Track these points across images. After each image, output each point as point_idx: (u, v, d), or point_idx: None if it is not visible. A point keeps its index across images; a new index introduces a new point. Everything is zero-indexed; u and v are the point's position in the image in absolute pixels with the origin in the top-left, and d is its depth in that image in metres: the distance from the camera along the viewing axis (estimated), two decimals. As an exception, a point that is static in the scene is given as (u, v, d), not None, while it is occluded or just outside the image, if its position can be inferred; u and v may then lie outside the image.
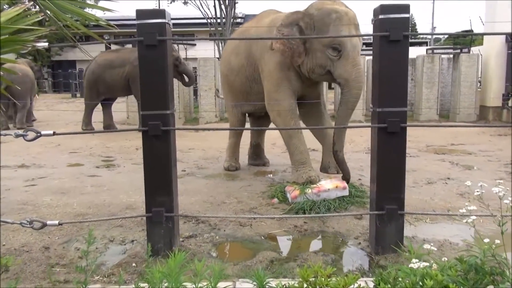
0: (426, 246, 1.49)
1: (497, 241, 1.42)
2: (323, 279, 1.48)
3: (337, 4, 3.76)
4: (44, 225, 2.41)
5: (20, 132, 2.29)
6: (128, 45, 10.59)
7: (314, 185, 3.76)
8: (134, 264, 2.59)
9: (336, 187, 3.73)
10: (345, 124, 3.81)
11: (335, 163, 4.02)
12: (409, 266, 1.36)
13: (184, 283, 1.49)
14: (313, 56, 3.78)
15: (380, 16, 2.51)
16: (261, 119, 5.24)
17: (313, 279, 1.50)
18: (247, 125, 5.44)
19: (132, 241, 3.01)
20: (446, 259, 1.45)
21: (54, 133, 2.40)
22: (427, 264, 1.35)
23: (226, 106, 5.33)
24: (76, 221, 3.34)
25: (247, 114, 5.20)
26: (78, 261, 2.67)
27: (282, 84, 4.06)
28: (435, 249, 1.53)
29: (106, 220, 3.37)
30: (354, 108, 3.75)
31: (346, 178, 3.77)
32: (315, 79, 4.00)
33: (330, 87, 14.60)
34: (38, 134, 2.32)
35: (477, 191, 1.52)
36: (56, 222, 2.48)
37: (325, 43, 3.66)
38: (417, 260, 1.38)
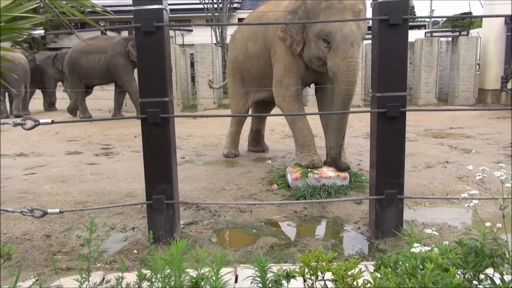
0: (428, 230, 1.49)
1: (498, 225, 1.43)
2: (324, 264, 1.49)
3: None
4: (45, 213, 2.41)
5: (19, 120, 2.28)
6: (124, 32, 10.58)
7: (316, 170, 3.77)
8: (135, 251, 2.60)
9: (338, 175, 3.75)
10: (343, 123, 3.71)
11: (345, 158, 4.06)
12: (411, 250, 1.37)
13: (187, 270, 1.50)
14: (309, 47, 3.75)
15: (379, 0, 2.49)
16: (264, 105, 5.21)
17: (315, 264, 1.51)
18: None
19: (133, 228, 3.03)
20: (447, 242, 1.46)
21: (53, 122, 2.39)
22: (429, 248, 1.36)
23: (232, 93, 5.20)
24: (76, 209, 3.35)
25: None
26: (80, 248, 2.69)
27: (291, 69, 4.03)
28: (437, 233, 1.54)
29: (107, 208, 3.38)
30: (348, 105, 3.60)
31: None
32: (316, 69, 3.92)
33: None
34: (37, 123, 2.31)
35: (479, 175, 1.52)
36: (57, 210, 2.48)
37: (316, 34, 3.57)
38: (418, 244, 1.39)
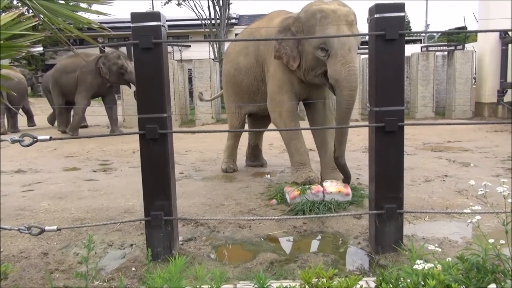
0: (431, 247, 1.48)
1: (502, 241, 1.42)
2: (325, 280, 1.48)
3: (326, 3, 3.66)
4: (42, 230, 2.39)
5: (17, 137, 2.28)
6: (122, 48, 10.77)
7: (314, 185, 3.75)
8: (133, 269, 2.58)
9: (339, 191, 3.69)
10: (346, 129, 3.68)
11: (336, 178, 4.01)
12: (414, 267, 1.35)
13: (186, 288, 1.49)
14: (306, 59, 3.78)
15: (376, 15, 2.51)
16: (260, 120, 5.24)
17: (315, 280, 1.49)
18: (246, 126, 5.44)
19: (131, 245, 3.00)
20: (450, 259, 1.44)
21: (51, 138, 2.39)
22: (432, 265, 1.35)
23: (227, 107, 5.28)
24: (74, 226, 3.32)
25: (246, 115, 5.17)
26: (78, 266, 2.66)
27: (284, 86, 4.06)
28: (439, 249, 1.52)
29: (105, 225, 3.35)
30: (350, 110, 3.58)
31: (346, 180, 3.77)
32: (312, 81, 3.93)
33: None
34: (35, 140, 2.30)
35: (481, 190, 1.51)
36: (55, 227, 2.46)
37: (314, 44, 3.61)
38: (421, 261, 1.37)
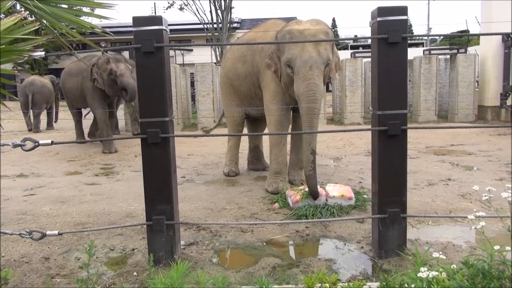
0: (435, 254, 1.46)
1: (508, 248, 1.40)
2: (328, 285, 1.46)
3: (298, 23, 3.97)
4: (44, 235, 2.39)
5: (18, 142, 2.27)
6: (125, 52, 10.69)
7: (320, 190, 3.74)
8: (135, 273, 2.56)
9: (342, 196, 3.71)
10: (310, 138, 3.67)
11: (301, 176, 4.42)
12: (418, 275, 1.33)
13: (187, 293, 1.47)
14: (282, 75, 4.04)
15: (378, 19, 2.50)
16: (257, 122, 5.33)
17: (318, 286, 1.48)
18: (244, 129, 5.50)
19: (133, 249, 2.98)
20: (455, 266, 1.42)
21: (53, 142, 2.38)
22: (436, 273, 1.32)
23: (225, 108, 5.41)
24: (76, 231, 3.31)
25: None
26: (79, 271, 2.64)
27: (277, 96, 4.31)
28: (444, 257, 1.50)
29: (106, 229, 3.34)
30: (314, 120, 3.69)
31: (312, 195, 3.68)
32: (292, 95, 4.02)
33: (328, 90, 14.73)
34: (36, 144, 2.30)
35: (485, 195, 1.49)
36: (56, 232, 2.46)
37: (284, 62, 3.91)
38: (425, 269, 1.35)
